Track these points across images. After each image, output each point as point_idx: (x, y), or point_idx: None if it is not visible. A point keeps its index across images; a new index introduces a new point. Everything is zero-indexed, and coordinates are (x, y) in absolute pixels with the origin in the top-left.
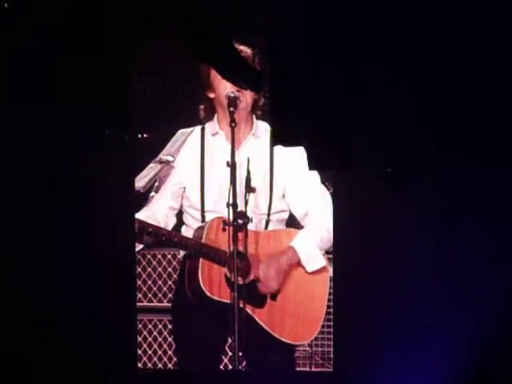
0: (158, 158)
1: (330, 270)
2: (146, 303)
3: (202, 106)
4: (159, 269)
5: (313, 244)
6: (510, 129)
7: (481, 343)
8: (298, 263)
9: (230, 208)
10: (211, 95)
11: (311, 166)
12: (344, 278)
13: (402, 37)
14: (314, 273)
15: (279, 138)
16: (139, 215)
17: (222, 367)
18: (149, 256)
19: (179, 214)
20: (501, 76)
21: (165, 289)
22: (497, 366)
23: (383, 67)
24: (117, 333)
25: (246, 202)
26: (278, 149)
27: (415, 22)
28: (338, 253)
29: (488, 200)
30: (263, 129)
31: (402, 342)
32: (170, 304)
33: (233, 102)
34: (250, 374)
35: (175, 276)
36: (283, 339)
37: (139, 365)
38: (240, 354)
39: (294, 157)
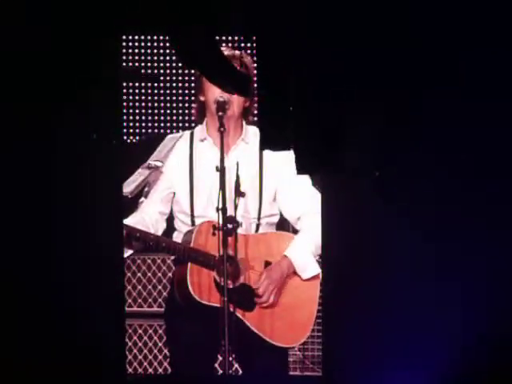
0: (146, 164)
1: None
2: (136, 308)
3: (195, 106)
4: (149, 274)
5: (308, 251)
6: (507, 128)
7: (473, 342)
8: (294, 272)
9: (220, 212)
10: (202, 98)
11: (299, 170)
12: (333, 282)
13: (394, 38)
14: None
15: (267, 142)
16: (128, 221)
17: (213, 371)
18: (138, 261)
19: (169, 220)
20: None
21: (155, 294)
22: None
23: (374, 72)
24: (105, 338)
25: (236, 207)
26: (268, 153)
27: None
28: (327, 256)
29: (480, 200)
30: (252, 134)
31: (392, 347)
32: (159, 309)
33: (221, 106)
34: (241, 378)
35: (165, 281)
36: (273, 342)
37: (129, 370)
38: (231, 358)
39: (284, 160)
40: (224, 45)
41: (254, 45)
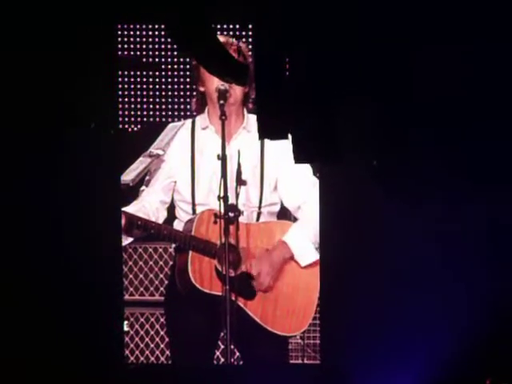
0: (147, 152)
1: None
2: (137, 297)
3: (194, 99)
4: (150, 262)
5: (305, 238)
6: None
7: (468, 332)
8: (291, 258)
9: (221, 201)
10: (201, 88)
11: (297, 160)
12: (331, 271)
13: (390, 30)
14: (305, 266)
15: (265, 131)
16: (129, 209)
17: (214, 360)
18: (140, 250)
19: (170, 209)
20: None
21: (156, 282)
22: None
23: (371, 62)
24: (104, 327)
25: (237, 195)
26: (269, 142)
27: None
28: (324, 245)
29: (471, 194)
30: (254, 122)
31: (389, 333)
32: (161, 297)
33: (222, 94)
34: (242, 368)
35: (166, 269)
36: (275, 331)
37: (131, 359)
38: (232, 346)
39: (286, 149)
40: (220, 33)
41: (251, 33)
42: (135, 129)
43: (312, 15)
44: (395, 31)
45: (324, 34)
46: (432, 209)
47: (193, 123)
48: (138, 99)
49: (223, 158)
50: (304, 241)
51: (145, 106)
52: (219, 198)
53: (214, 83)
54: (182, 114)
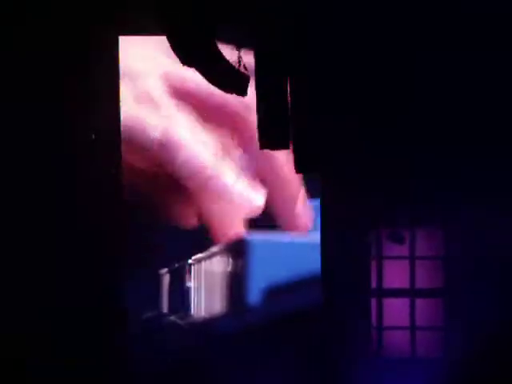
0: None
1: None
2: None
3: None
4: None
5: None
6: None
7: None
8: None
9: None
10: None
11: (298, 170)
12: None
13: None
14: None
15: (266, 141)
16: None
17: None
18: None
19: None
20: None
21: None
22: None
23: (374, 78)
24: (108, 330)
25: None
26: None
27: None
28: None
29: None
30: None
31: (392, 326)
32: None
33: None
34: None
35: None
36: None
37: None
38: None
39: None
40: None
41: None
42: None
43: (312, 21)
44: (394, 35)
45: (325, 38)
46: (432, 203)
47: None
48: None
49: None
50: None
51: None
52: None
53: None
54: None
